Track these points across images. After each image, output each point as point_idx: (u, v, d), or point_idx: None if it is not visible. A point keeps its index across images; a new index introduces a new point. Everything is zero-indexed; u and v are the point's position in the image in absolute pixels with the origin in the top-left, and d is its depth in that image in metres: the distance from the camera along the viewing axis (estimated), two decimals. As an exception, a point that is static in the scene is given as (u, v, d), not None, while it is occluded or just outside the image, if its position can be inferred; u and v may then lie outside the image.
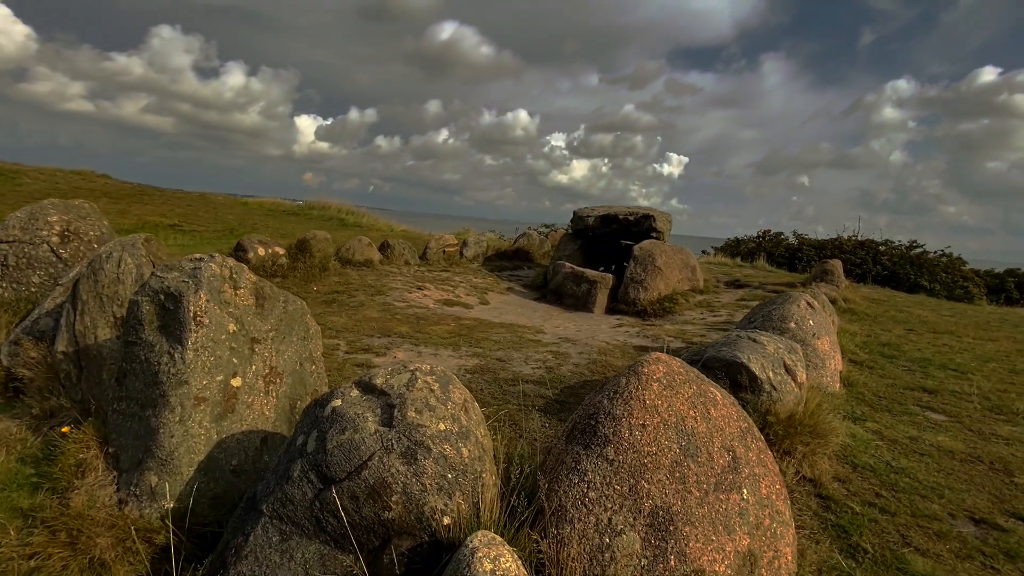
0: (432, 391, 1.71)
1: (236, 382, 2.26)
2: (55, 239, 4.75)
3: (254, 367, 2.35)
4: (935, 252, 17.07)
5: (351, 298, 7.26)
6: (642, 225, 9.76)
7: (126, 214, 15.85)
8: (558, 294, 9.43)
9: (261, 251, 7.48)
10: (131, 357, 2.27)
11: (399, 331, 5.82)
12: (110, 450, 2.31)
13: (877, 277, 15.90)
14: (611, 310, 8.86)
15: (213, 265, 2.23)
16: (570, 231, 11.29)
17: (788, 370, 3.13)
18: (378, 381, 1.77)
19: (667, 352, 5.33)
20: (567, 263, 9.61)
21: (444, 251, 11.18)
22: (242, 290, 2.31)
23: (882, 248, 17.26)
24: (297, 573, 1.54)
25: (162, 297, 2.20)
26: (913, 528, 2.65)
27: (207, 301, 2.16)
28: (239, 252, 7.41)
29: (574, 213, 11.09)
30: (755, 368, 2.99)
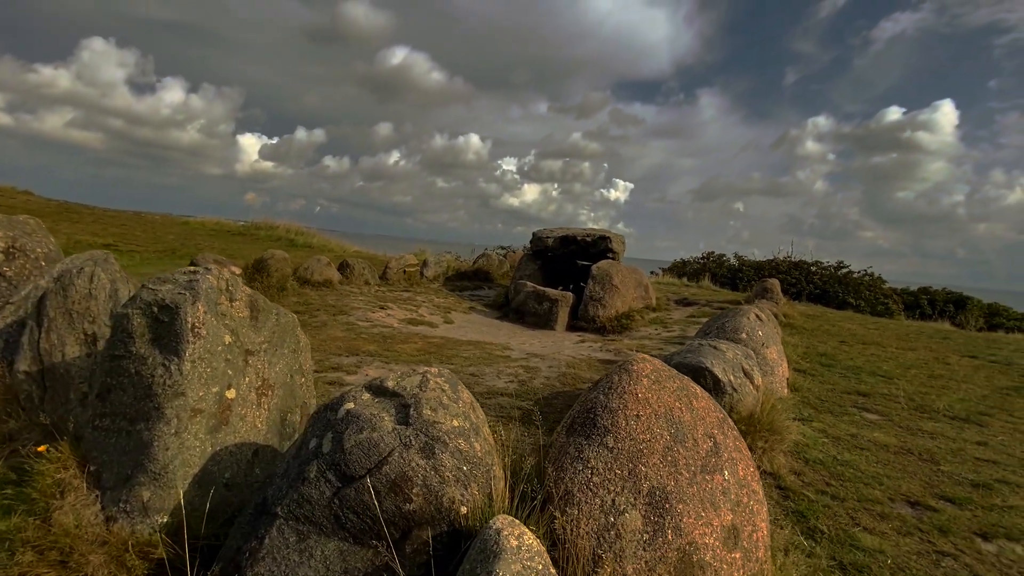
0: (444, 391, 1.81)
1: (231, 394, 2.27)
2: (-2, 256, 4.47)
3: (247, 379, 2.36)
4: (859, 272, 18.65)
5: (312, 318, 7.14)
6: (599, 246, 10.19)
7: (55, 232, 14.75)
8: (520, 312, 9.62)
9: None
10: (118, 371, 2.22)
11: (367, 350, 5.79)
12: (91, 468, 2.24)
13: (810, 295, 17.16)
14: (572, 327, 9.13)
15: (210, 277, 2.24)
16: (530, 251, 11.57)
17: (746, 374, 3.43)
18: (389, 384, 1.85)
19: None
20: (528, 282, 9.85)
21: (405, 271, 11.16)
22: (238, 302, 2.33)
23: (813, 268, 18.66)
24: (317, 570, 1.58)
25: (155, 309, 2.19)
26: (860, 511, 2.95)
27: (205, 313, 2.18)
28: (193, 272, 7.14)
29: (533, 234, 11.40)
30: (718, 372, 3.26)
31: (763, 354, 4.78)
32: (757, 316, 5.08)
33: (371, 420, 1.71)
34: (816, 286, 17.75)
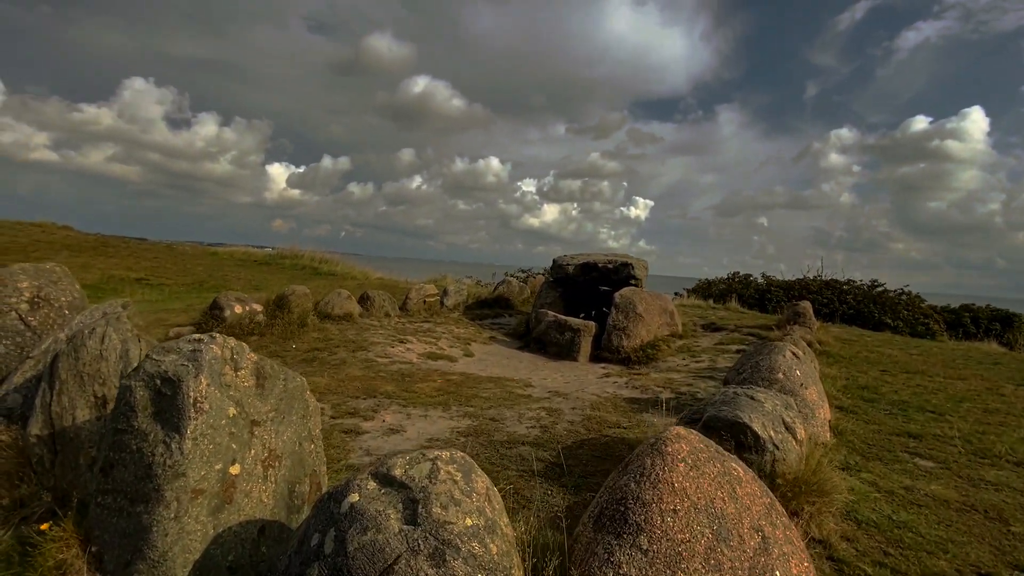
0: (455, 482, 1.65)
1: (235, 470, 2.14)
2: (24, 306, 4.52)
3: (253, 451, 2.23)
4: (895, 291, 17.90)
5: (332, 355, 7.08)
6: (621, 273, 9.97)
7: (89, 268, 15.28)
8: (541, 343, 9.42)
9: (238, 309, 7.28)
10: (120, 446, 2.13)
11: (384, 390, 5.67)
12: (93, 549, 2.13)
13: (844, 316, 16.50)
14: (595, 358, 8.88)
15: (214, 347, 2.15)
16: (550, 278, 11.41)
17: (788, 427, 3.17)
18: (396, 472, 1.70)
19: (659, 404, 5.32)
20: (550, 311, 9.66)
21: (424, 301, 11.11)
22: (243, 371, 2.23)
23: (846, 287, 18.00)
24: None
25: (158, 382, 2.10)
26: (926, 589, 2.64)
27: (208, 386, 2.07)
28: (215, 311, 7.19)
29: (554, 261, 11.26)
30: (758, 427, 3.02)
31: (802, 396, 4.48)
32: (794, 354, 4.79)
33: (376, 518, 1.56)
34: (850, 306, 17.08)
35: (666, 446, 1.85)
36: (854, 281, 18.57)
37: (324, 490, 2.63)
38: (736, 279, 20.38)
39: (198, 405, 2.04)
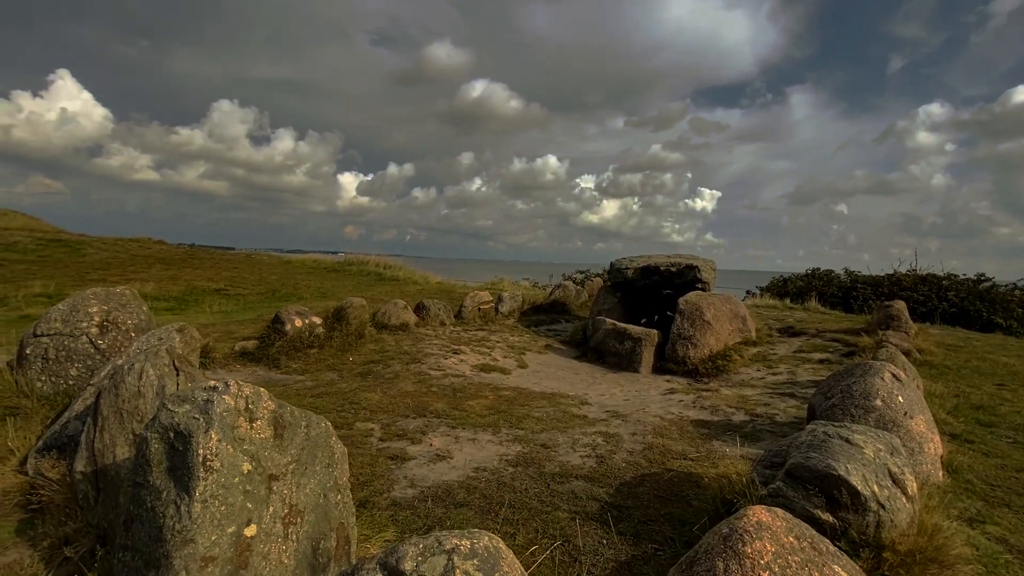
0: (475, 585, 1.37)
1: (250, 531, 1.98)
2: (95, 330, 4.75)
3: (271, 509, 2.06)
4: (1007, 285, 15.73)
5: (386, 368, 7.04)
6: (686, 276, 9.30)
7: (177, 280, 16.51)
8: (599, 352, 8.97)
9: (298, 322, 7.42)
10: (139, 501, 2.02)
11: (435, 408, 5.50)
12: (113, 608, 2.04)
13: (944, 316, 14.70)
14: (658, 369, 8.32)
15: (227, 397, 1.99)
16: (608, 283, 10.91)
17: (895, 480, 2.62)
18: (407, 567, 1.44)
19: (731, 428, 4.77)
20: (607, 319, 9.19)
21: (479, 308, 10.97)
22: (259, 421, 2.06)
23: (946, 283, 16.04)
24: None
25: (171, 435, 1.97)
26: None
27: (219, 441, 1.91)
28: (277, 324, 7.37)
29: (611, 264, 10.75)
30: (856, 482, 2.50)
31: (907, 427, 3.82)
32: (894, 376, 4.11)
33: (379, 630, 1.31)
34: (951, 304, 15.19)
35: (744, 545, 1.45)
36: (955, 275, 16.52)
37: (353, 544, 2.44)
38: (816, 275, 18.74)
39: (208, 463, 1.88)
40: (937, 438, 4.06)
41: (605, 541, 3.05)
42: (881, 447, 2.81)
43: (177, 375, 2.92)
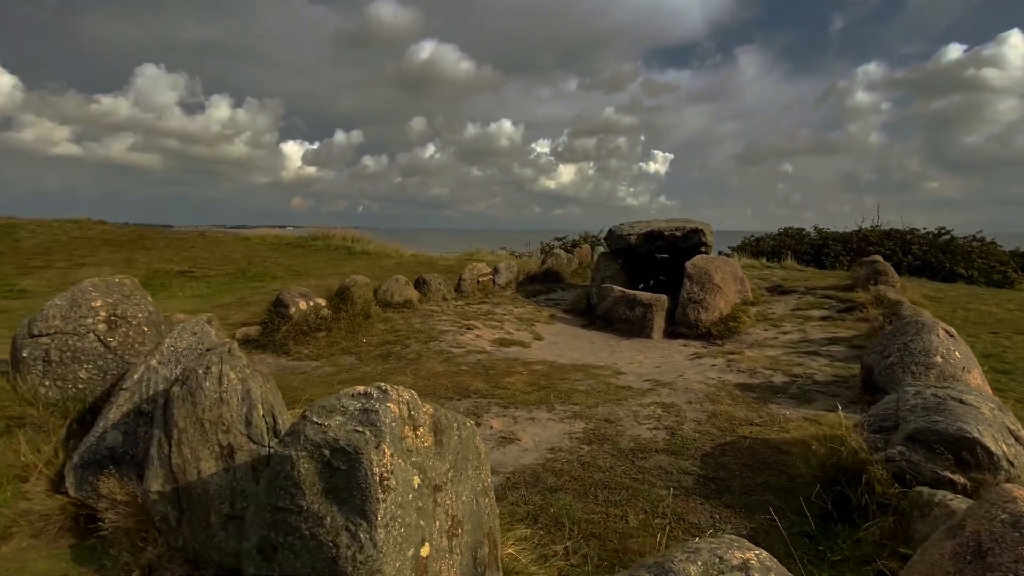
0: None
1: (425, 551, 1.75)
2: (101, 326, 4.21)
3: (438, 523, 1.84)
4: (965, 237, 16.75)
5: (405, 348, 6.74)
6: (690, 240, 9.31)
7: (133, 263, 15.25)
8: (608, 320, 8.94)
9: (303, 305, 6.96)
10: (286, 528, 1.75)
11: (475, 388, 5.30)
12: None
13: (910, 268, 15.53)
14: (669, 333, 8.37)
15: (391, 405, 1.72)
16: (606, 249, 10.82)
17: (1016, 437, 2.65)
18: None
19: (776, 390, 4.80)
20: (615, 286, 9.13)
21: (478, 281, 10.69)
22: (422, 428, 1.80)
23: (909, 237, 16.92)
24: None
25: (326, 453, 1.69)
26: None
27: (392, 456, 1.65)
28: (280, 308, 6.89)
29: (610, 231, 10.64)
30: (989, 442, 2.51)
31: (965, 381, 3.93)
32: (947, 332, 4.21)
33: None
34: (916, 257, 16.07)
35: (1002, 549, 1.32)
36: (918, 230, 17.45)
37: (499, 549, 2.25)
38: (788, 234, 19.36)
39: (385, 482, 1.62)
40: (989, 390, 4.21)
41: (717, 516, 3.00)
42: (992, 405, 2.83)
43: (259, 378, 2.57)
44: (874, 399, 4.28)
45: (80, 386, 4.13)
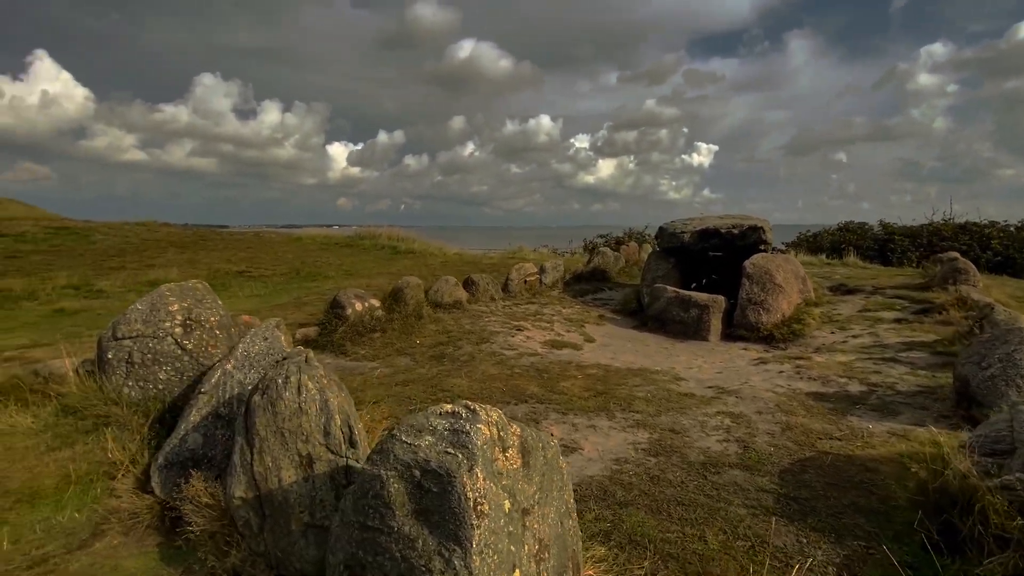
0: None
1: (516, 577, 1.69)
2: (178, 330, 4.40)
3: (527, 548, 1.77)
4: (1052, 231, 15.38)
5: (458, 350, 6.76)
6: (748, 238, 8.92)
7: (196, 263, 16.08)
8: (661, 321, 8.68)
9: (358, 306, 7.10)
10: (374, 548, 1.73)
11: (531, 392, 5.23)
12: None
13: (989, 264, 14.39)
14: (727, 336, 8.05)
15: (482, 427, 1.66)
16: (657, 248, 10.53)
17: None
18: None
19: (854, 400, 4.50)
20: (667, 286, 8.86)
21: (525, 281, 10.64)
22: (511, 450, 1.74)
23: (988, 231, 15.67)
24: None
25: (417, 474, 1.66)
26: None
27: (485, 480, 1.60)
28: (337, 309, 7.05)
29: (661, 229, 10.34)
30: None
31: (1081, 396, 3.54)
32: (1058, 341, 3.81)
33: None
34: (996, 252, 14.87)
35: None
36: (997, 223, 16.13)
37: (582, 571, 2.17)
38: (849, 228, 18.33)
39: (479, 507, 1.57)
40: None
41: (804, 540, 2.81)
42: None
43: (335, 388, 2.59)
44: (971, 414, 3.94)
45: (160, 387, 4.33)
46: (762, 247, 8.93)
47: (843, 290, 10.84)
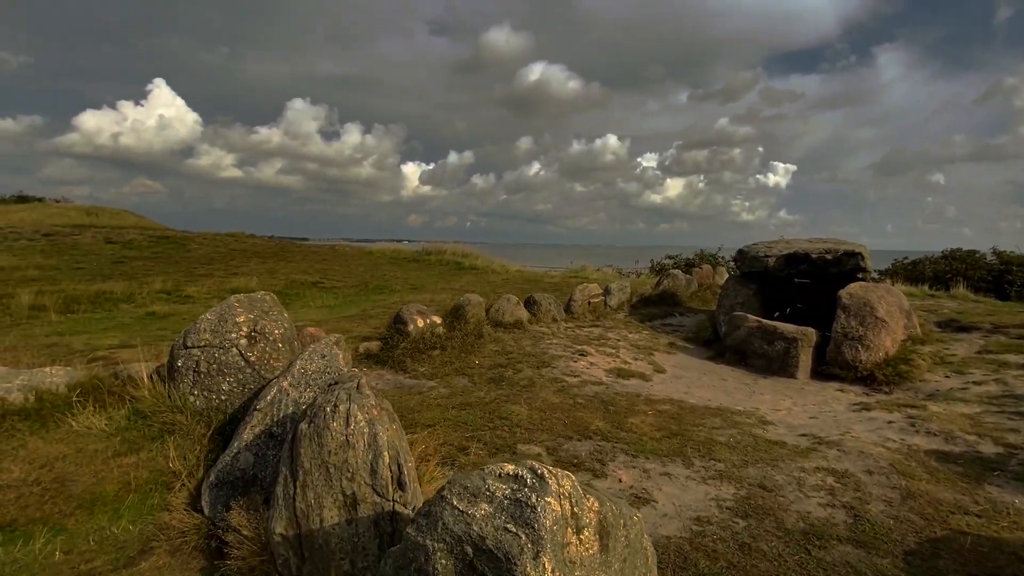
0: None
1: None
2: (243, 341, 4.42)
3: (600, 654, 1.40)
4: None
5: (517, 373, 6.45)
6: (844, 265, 8.01)
7: (275, 273, 16.97)
8: (740, 353, 7.94)
9: (420, 322, 6.99)
10: (415, 632, 1.43)
11: (595, 427, 4.81)
12: None
13: None
14: (818, 374, 7.20)
15: (551, 501, 1.33)
16: (736, 272, 9.76)
17: None
18: None
19: (990, 465, 3.72)
20: (749, 314, 8.11)
21: (589, 302, 10.19)
22: (586, 531, 1.40)
23: None
24: None
25: (469, 551, 1.35)
26: None
27: (553, 571, 1.26)
28: (399, 325, 6.98)
29: (741, 252, 9.58)
30: None
31: None
32: None
33: None
34: None
35: None
36: None
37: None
38: (956, 256, 16.34)
39: (543, 608, 1.23)
40: None
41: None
42: None
43: (387, 421, 2.36)
44: None
45: (222, 397, 4.34)
46: (860, 275, 7.99)
47: (955, 327, 9.53)
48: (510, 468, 1.45)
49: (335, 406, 2.31)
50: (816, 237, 9.32)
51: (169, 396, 4.44)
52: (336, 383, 2.56)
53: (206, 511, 3.06)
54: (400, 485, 2.24)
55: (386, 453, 2.25)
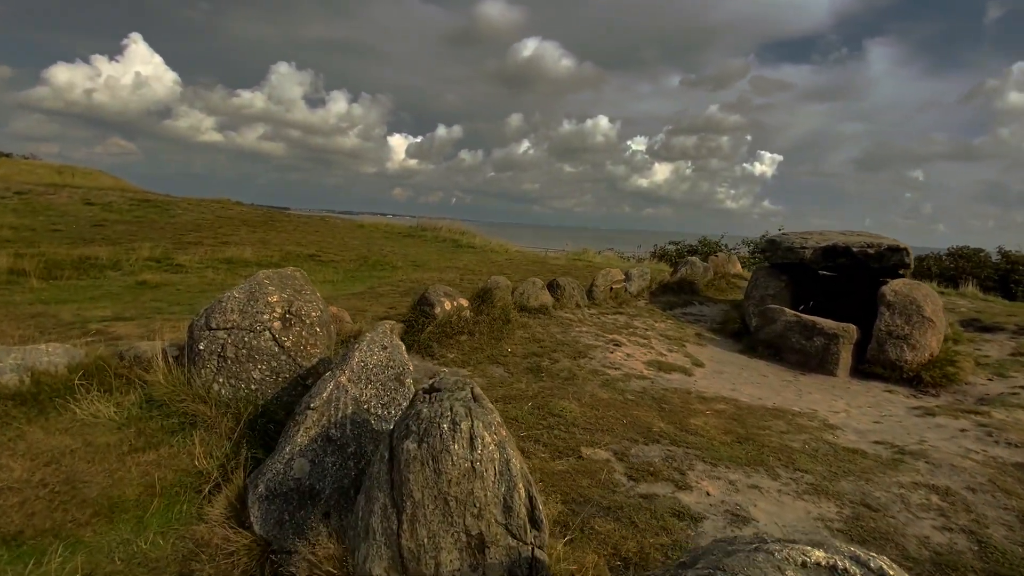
0: None
1: None
2: (276, 324, 3.89)
3: None
4: None
5: (554, 363, 6.04)
6: (886, 260, 7.72)
7: (268, 244, 16.14)
8: (774, 348, 7.65)
9: (447, 305, 6.51)
10: None
11: (657, 428, 4.44)
12: None
13: None
14: (859, 372, 6.95)
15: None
16: (765, 263, 9.44)
17: None
18: None
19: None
20: (785, 308, 7.81)
21: (611, 288, 9.80)
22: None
23: None
24: None
25: None
26: None
27: None
28: (425, 306, 6.48)
29: (772, 242, 9.24)
30: None
31: None
32: None
33: None
34: None
35: None
36: None
37: None
38: (962, 255, 16.35)
39: None
40: None
41: None
42: None
43: (510, 442, 1.91)
44: None
45: (253, 387, 3.83)
46: (901, 272, 7.72)
47: (977, 326, 9.41)
48: (820, 556, 1.02)
49: (454, 423, 1.85)
50: (849, 231, 9.03)
51: (189, 383, 3.91)
52: (435, 389, 2.09)
53: (256, 528, 2.60)
54: (535, 523, 1.81)
55: (520, 485, 1.80)
